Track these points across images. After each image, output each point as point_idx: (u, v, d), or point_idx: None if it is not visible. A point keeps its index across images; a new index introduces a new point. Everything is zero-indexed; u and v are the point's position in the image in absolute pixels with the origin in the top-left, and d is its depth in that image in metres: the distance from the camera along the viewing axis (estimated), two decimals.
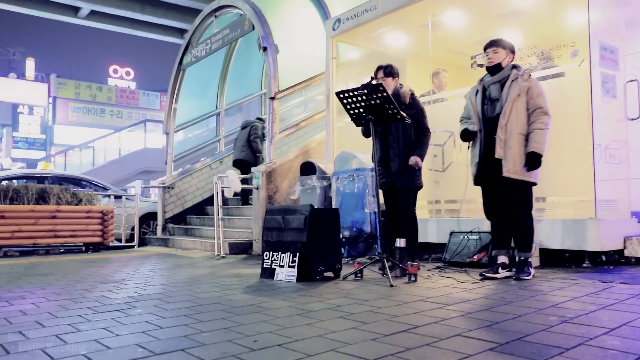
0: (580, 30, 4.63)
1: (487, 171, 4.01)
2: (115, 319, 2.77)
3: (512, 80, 3.95)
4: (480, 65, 6.36)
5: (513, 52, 4.11)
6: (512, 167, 3.84)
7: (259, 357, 1.98)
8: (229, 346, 2.15)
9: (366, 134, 4.51)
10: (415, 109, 4.51)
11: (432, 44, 6.13)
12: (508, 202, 3.99)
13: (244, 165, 8.36)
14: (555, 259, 4.73)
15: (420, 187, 4.59)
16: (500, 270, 3.98)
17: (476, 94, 4.16)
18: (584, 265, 4.49)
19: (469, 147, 4.21)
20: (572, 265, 4.57)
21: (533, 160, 3.83)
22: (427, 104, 5.75)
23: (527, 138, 3.87)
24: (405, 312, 2.76)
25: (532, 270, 3.96)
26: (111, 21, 23.34)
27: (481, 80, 4.19)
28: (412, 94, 4.57)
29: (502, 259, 4.05)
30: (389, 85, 4.52)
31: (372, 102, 4.08)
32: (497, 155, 3.88)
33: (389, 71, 4.58)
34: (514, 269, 4.01)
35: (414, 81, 6.39)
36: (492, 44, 4.09)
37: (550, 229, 4.56)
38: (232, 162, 8.72)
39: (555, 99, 4.86)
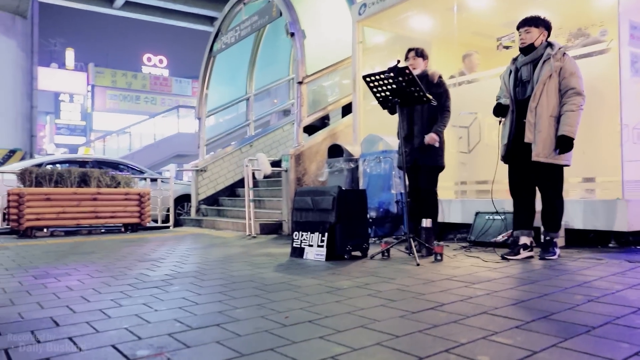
0: (609, 9, 4.46)
1: (516, 153, 3.87)
2: (153, 295, 2.83)
3: (544, 61, 3.75)
4: (506, 47, 6.21)
5: (548, 29, 3.87)
6: (542, 151, 3.69)
7: (291, 333, 2.00)
8: (261, 322, 2.18)
9: (392, 110, 4.43)
10: (441, 88, 4.45)
11: (457, 27, 6.00)
12: (539, 185, 3.86)
13: (311, 129, 8.38)
14: (580, 239, 4.63)
15: (442, 167, 4.51)
16: (521, 251, 3.89)
17: (509, 75, 3.98)
18: (610, 245, 4.39)
19: (500, 121, 4.06)
20: (598, 245, 4.46)
21: (564, 144, 3.65)
22: (453, 86, 5.64)
23: (558, 120, 3.69)
24: (431, 290, 2.75)
25: (558, 251, 3.87)
26: (144, 11, 23.52)
27: (514, 60, 4.00)
28: (441, 76, 4.52)
29: (524, 239, 3.94)
30: (419, 65, 4.52)
31: (399, 84, 4.02)
32: (526, 140, 3.73)
33: (420, 52, 4.56)
34: (539, 249, 3.93)
35: (440, 64, 6.26)
36: (524, 23, 3.86)
37: (576, 210, 4.45)
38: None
39: (583, 79, 4.70)
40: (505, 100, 3.93)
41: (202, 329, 2.09)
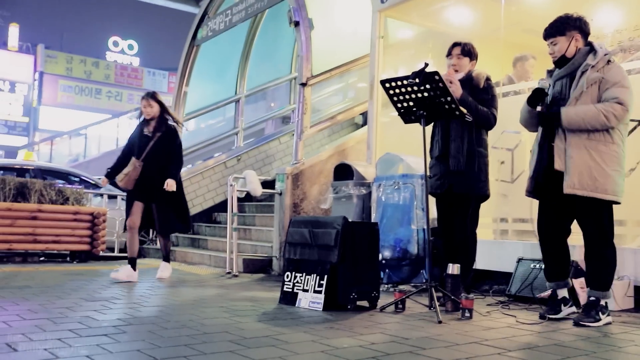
0: None
1: (548, 184, 3.86)
2: (101, 345, 2.85)
3: (582, 72, 3.74)
4: None
5: (582, 30, 3.81)
6: (578, 182, 3.66)
7: None
8: None
9: (428, 121, 4.38)
10: (489, 94, 4.52)
11: (505, 23, 6.08)
12: (582, 227, 3.83)
13: None
14: None
15: (486, 196, 4.57)
16: (562, 307, 3.90)
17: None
18: None
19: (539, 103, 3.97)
20: None
21: (545, 119, 3.85)
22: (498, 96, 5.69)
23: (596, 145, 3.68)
24: (454, 357, 2.76)
25: (605, 318, 3.74)
26: None
27: (550, 72, 4.05)
28: (488, 78, 4.58)
29: (563, 292, 3.95)
30: (464, 67, 4.58)
31: (425, 94, 4.09)
32: (556, 167, 3.74)
33: (467, 50, 4.60)
34: (579, 309, 3.89)
35: (481, 68, 6.34)
36: (547, 34, 3.87)
37: None
38: None
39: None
40: (544, 84, 3.91)
41: None
